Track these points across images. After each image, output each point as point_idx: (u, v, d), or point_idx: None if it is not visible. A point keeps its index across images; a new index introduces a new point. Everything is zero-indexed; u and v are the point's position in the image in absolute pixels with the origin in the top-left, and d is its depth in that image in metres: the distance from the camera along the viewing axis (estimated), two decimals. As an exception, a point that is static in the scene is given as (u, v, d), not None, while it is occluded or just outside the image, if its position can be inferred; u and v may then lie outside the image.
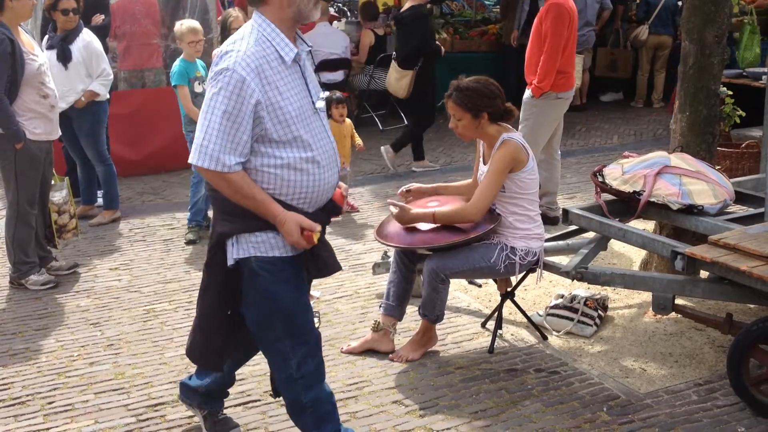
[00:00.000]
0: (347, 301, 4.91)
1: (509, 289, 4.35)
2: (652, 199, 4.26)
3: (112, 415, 3.68)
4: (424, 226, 4.05)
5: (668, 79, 10.70)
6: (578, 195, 7.08)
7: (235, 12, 6.27)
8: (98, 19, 7.19)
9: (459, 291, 4.98)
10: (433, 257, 4.06)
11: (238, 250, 2.87)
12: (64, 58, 6.11)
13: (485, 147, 4.16)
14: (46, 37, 6.35)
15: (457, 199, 4.24)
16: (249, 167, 2.79)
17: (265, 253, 2.85)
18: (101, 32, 6.90)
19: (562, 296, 4.56)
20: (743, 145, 6.87)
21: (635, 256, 5.40)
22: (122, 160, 7.41)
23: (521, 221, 4.06)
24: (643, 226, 5.07)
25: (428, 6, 8.38)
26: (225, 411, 3.54)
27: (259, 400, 3.75)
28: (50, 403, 3.81)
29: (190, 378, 3.48)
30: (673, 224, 4.46)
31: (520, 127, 5.98)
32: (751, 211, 4.41)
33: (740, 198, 4.57)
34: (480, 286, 5.05)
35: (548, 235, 4.55)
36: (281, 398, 3.13)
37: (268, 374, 3.47)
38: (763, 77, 7.37)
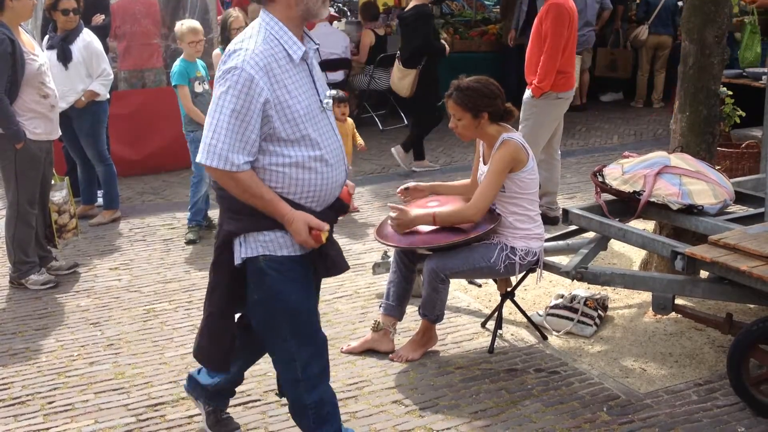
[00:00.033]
0: (347, 301, 4.91)
1: (509, 289, 4.35)
2: (652, 199, 4.26)
3: (112, 414, 3.68)
4: (424, 226, 4.05)
5: (668, 79, 10.70)
6: (578, 195, 7.08)
7: (235, 12, 6.27)
8: (98, 19, 7.19)
9: (459, 291, 4.98)
10: (433, 257, 4.06)
11: (246, 249, 2.84)
12: (65, 58, 6.11)
13: (485, 147, 4.16)
14: (47, 37, 6.35)
15: (457, 199, 4.24)
16: (257, 166, 2.77)
17: (273, 252, 2.83)
18: (101, 32, 6.90)
19: (562, 296, 4.56)
20: (743, 145, 6.87)
21: (635, 256, 5.40)
22: (122, 160, 7.41)
23: (521, 221, 4.06)
24: (643, 226, 5.07)
25: (431, 5, 8.40)
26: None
27: (259, 400, 3.75)
28: (50, 402, 3.81)
29: (198, 372, 3.43)
30: (673, 224, 4.46)
31: (520, 127, 5.98)
32: (751, 211, 4.41)
33: (740, 198, 4.57)
34: (480, 286, 5.05)
35: (548, 235, 4.55)
36: (283, 398, 3.12)
37: (268, 374, 3.49)
38: (763, 77, 7.37)
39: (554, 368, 4.03)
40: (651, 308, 4.22)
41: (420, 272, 4.21)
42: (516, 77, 9.98)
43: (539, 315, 4.53)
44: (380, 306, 4.30)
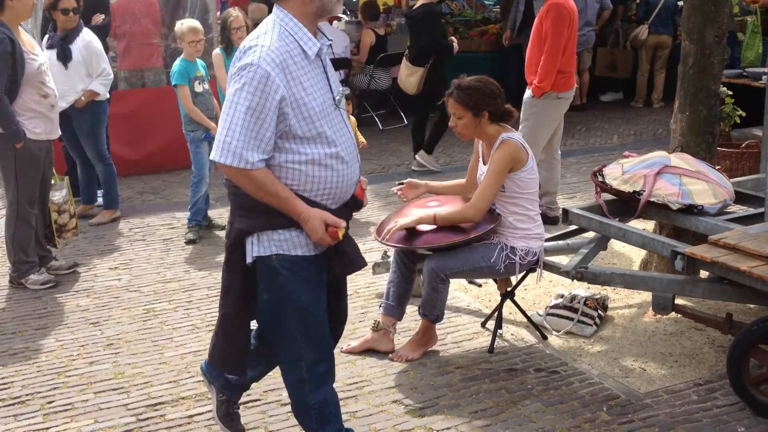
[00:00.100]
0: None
1: (509, 289, 4.35)
2: (652, 199, 4.26)
3: (111, 414, 3.68)
4: (424, 226, 4.05)
5: (668, 79, 10.70)
6: (578, 195, 7.08)
7: (235, 12, 6.27)
8: (98, 18, 7.19)
9: (459, 291, 4.98)
10: (433, 257, 4.06)
11: (258, 247, 2.80)
12: (64, 57, 6.11)
13: (484, 147, 4.17)
14: (47, 36, 6.35)
15: (457, 199, 4.24)
16: (273, 164, 2.73)
17: (287, 251, 2.79)
18: (101, 32, 6.90)
19: (562, 296, 4.56)
20: (743, 145, 6.87)
21: (635, 256, 5.40)
22: (122, 159, 7.41)
23: (521, 221, 4.06)
24: (643, 226, 5.07)
25: (439, 4, 8.41)
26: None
27: (259, 400, 3.75)
28: (50, 402, 3.81)
29: None
30: (673, 224, 4.46)
31: (520, 127, 5.98)
32: (751, 211, 4.41)
33: (740, 198, 4.57)
34: (480, 285, 5.05)
35: (548, 235, 4.55)
36: (282, 398, 3.11)
37: (269, 374, 3.47)
38: (763, 77, 7.37)
39: (554, 368, 4.02)
40: (651, 308, 4.22)
41: (420, 272, 4.21)
42: (516, 77, 9.97)
43: (539, 315, 4.53)
44: (380, 306, 4.30)
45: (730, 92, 6.89)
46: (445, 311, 4.24)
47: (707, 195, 4.24)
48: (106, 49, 6.80)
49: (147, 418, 3.64)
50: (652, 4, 10.65)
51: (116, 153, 7.06)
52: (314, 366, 2.90)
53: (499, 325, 4.29)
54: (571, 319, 4.41)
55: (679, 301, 4.31)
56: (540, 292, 4.92)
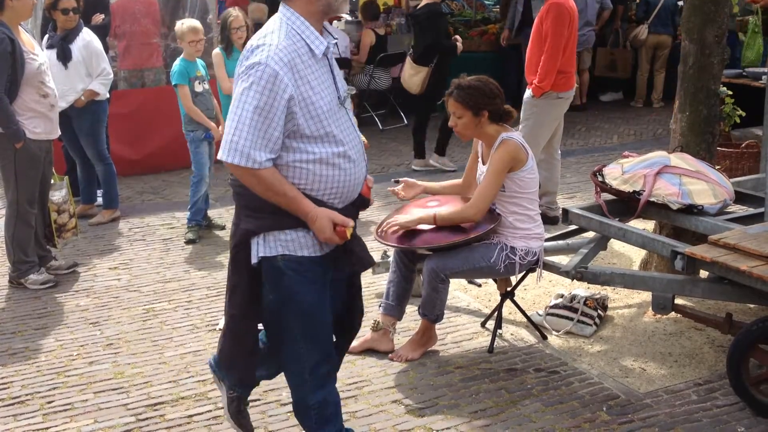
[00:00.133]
0: (347, 301, 4.90)
1: (509, 289, 4.35)
2: (652, 199, 4.26)
3: (111, 414, 3.68)
4: (424, 226, 4.05)
5: (668, 79, 10.70)
6: (578, 195, 7.07)
7: (234, 11, 6.26)
8: (98, 18, 7.19)
9: (459, 291, 4.98)
10: (433, 257, 4.06)
11: (264, 247, 2.79)
12: (64, 57, 6.11)
13: (484, 147, 4.17)
14: (46, 36, 6.35)
15: (457, 199, 4.24)
16: (280, 163, 2.72)
17: (293, 252, 2.78)
18: (101, 31, 6.90)
19: (562, 296, 4.55)
20: (743, 145, 6.87)
21: (635, 256, 5.40)
22: (122, 159, 7.41)
23: (521, 221, 4.06)
24: (643, 225, 5.07)
25: (442, 4, 8.41)
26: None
27: (259, 400, 3.74)
28: (49, 402, 3.80)
29: None
30: (673, 224, 4.46)
31: (520, 126, 5.98)
32: (751, 211, 4.41)
33: (740, 198, 4.57)
34: (480, 285, 5.05)
35: (548, 235, 4.54)
36: (282, 398, 3.11)
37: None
38: (763, 77, 7.37)
39: (554, 368, 4.02)
40: (651, 308, 4.22)
41: (420, 272, 4.20)
42: (516, 77, 9.97)
43: (539, 315, 4.53)
44: (380, 306, 4.30)
45: (730, 92, 6.89)
46: (445, 311, 4.24)
47: (707, 195, 4.24)
48: (106, 48, 6.80)
49: (147, 418, 3.64)
50: (652, 4, 10.65)
51: (116, 153, 7.06)
52: (316, 367, 2.89)
53: (498, 325, 4.28)
54: (571, 319, 4.40)
55: (679, 301, 4.31)
56: (540, 292, 4.92)
